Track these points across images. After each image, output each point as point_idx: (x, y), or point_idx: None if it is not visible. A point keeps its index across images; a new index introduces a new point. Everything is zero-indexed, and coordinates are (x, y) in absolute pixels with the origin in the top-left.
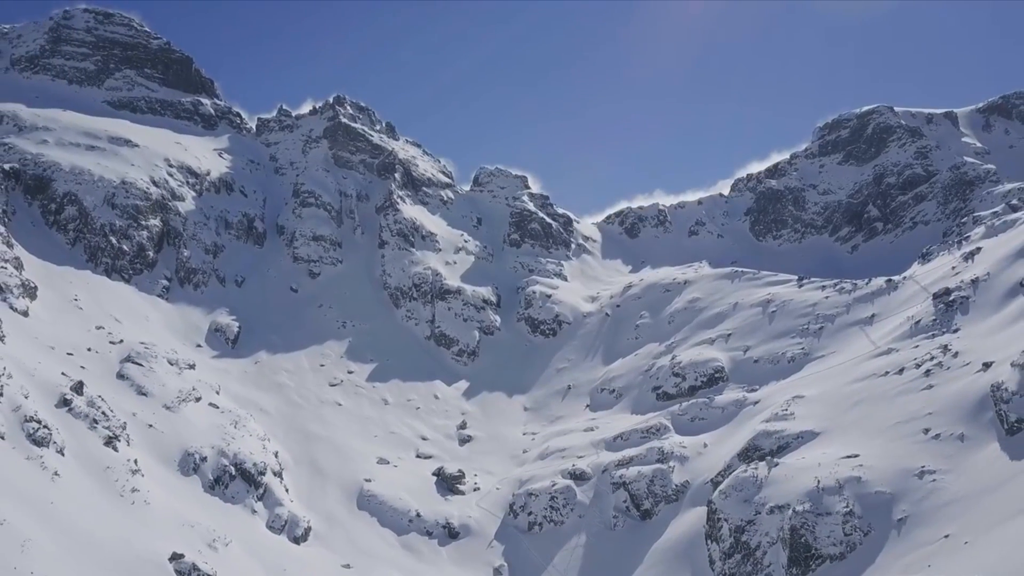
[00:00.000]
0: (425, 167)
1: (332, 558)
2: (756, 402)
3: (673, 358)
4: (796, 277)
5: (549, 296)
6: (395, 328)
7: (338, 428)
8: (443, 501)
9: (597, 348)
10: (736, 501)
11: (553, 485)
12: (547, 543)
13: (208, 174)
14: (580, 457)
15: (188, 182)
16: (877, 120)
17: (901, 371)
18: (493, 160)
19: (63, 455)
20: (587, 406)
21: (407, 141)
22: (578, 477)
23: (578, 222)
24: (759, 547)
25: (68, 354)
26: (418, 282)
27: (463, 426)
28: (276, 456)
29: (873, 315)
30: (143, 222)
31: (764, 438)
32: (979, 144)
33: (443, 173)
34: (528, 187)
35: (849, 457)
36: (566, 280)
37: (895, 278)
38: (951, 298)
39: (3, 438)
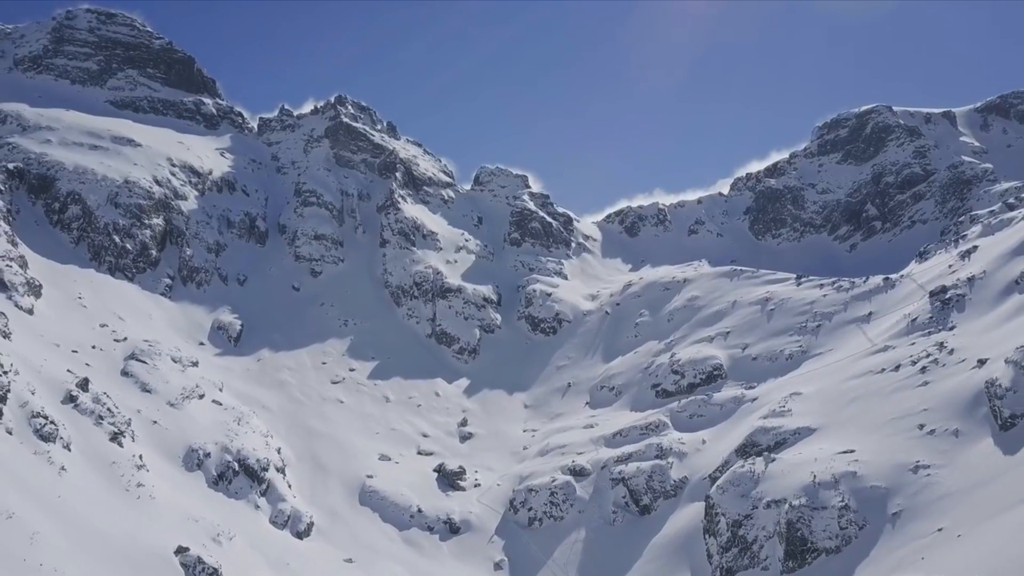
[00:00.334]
0: (426, 166)
1: (334, 553)
2: (754, 399)
3: (672, 356)
4: (794, 276)
5: (549, 294)
6: (396, 326)
7: (340, 425)
8: (444, 497)
9: (597, 346)
10: (733, 496)
11: (553, 481)
12: (547, 538)
13: (210, 173)
14: (580, 453)
15: (190, 181)
16: (876, 120)
17: (897, 368)
18: (494, 159)
19: (69, 450)
20: (587, 403)
21: (408, 140)
22: (578, 473)
23: (578, 221)
24: (756, 541)
25: (73, 351)
26: (419, 281)
27: (464, 423)
28: (279, 452)
29: (870, 313)
30: (146, 221)
31: (761, 434)
32: (977, 143)
33: (444, 172)
34: (528, 186)
35: (845, 452)
36: (566, 279)
37: (892, 276)
38: (947, 296)
39: (11, 433)
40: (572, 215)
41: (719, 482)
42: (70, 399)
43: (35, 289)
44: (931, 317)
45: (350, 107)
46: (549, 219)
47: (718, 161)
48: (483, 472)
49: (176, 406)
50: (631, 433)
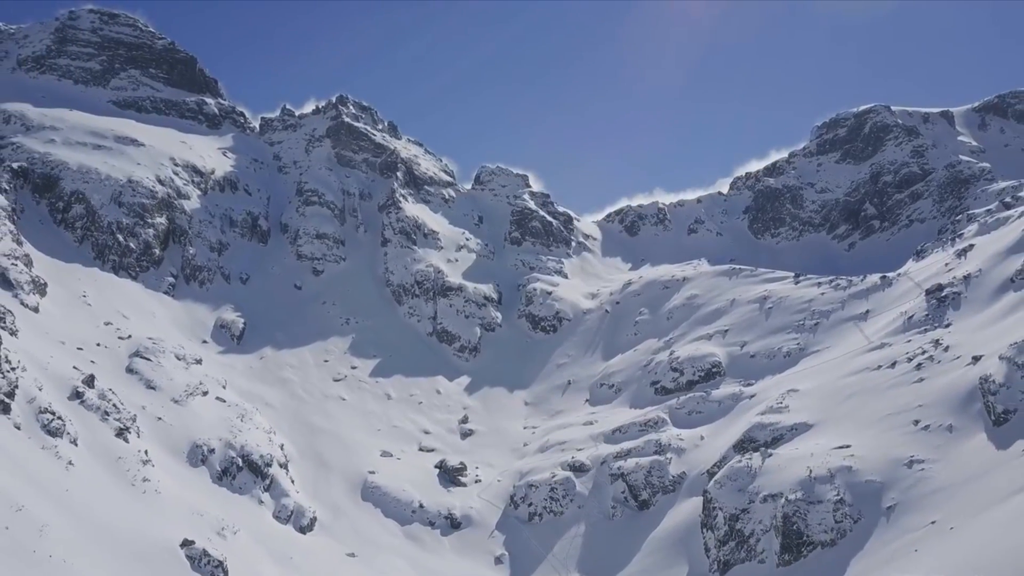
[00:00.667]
0: (427, 166)
1: (337, 547)
2: (752, 396)
3: (671, 353)
4: (793, 274)
5: (550, 293)
6: (398, 325)
7: (342, 422)
8: (445, 492)
9: (597, 344)
10: (731, 490)
11: (553, 477)
12: (547, 533)
13: (213, 173)
14: (579, 450)
15: (193, 181)
16: (874, 119)
17: (893, 365)
18: (494, 159)
19: (76, 445)
20: (587, 401)
21: (409, 140)
22: (577, 469)
23: (578, 220)
24: (753, 534)
25: (78, 349)
26: (420, 279)
27: (465, 420)
28: (282, 448)
29: (867, 311)
30: (149, 220)
31: (759, 430)
32: (975, 143)
33: (445, 172)
34: (529, 186)
35: (841, 448)
36: (566, 277)
37: (889, 275)
38: (943, 294)
39: (19, 428)
40: (572, 214)
41: (717, 477)
42: (76, 395)
43: (40, 287)
44: (927, 315)
45: (351, 107)
46: (549, 218)
47: (718, 160)
48: (484, 468)
49: (180, 403)
50: (630, 430)
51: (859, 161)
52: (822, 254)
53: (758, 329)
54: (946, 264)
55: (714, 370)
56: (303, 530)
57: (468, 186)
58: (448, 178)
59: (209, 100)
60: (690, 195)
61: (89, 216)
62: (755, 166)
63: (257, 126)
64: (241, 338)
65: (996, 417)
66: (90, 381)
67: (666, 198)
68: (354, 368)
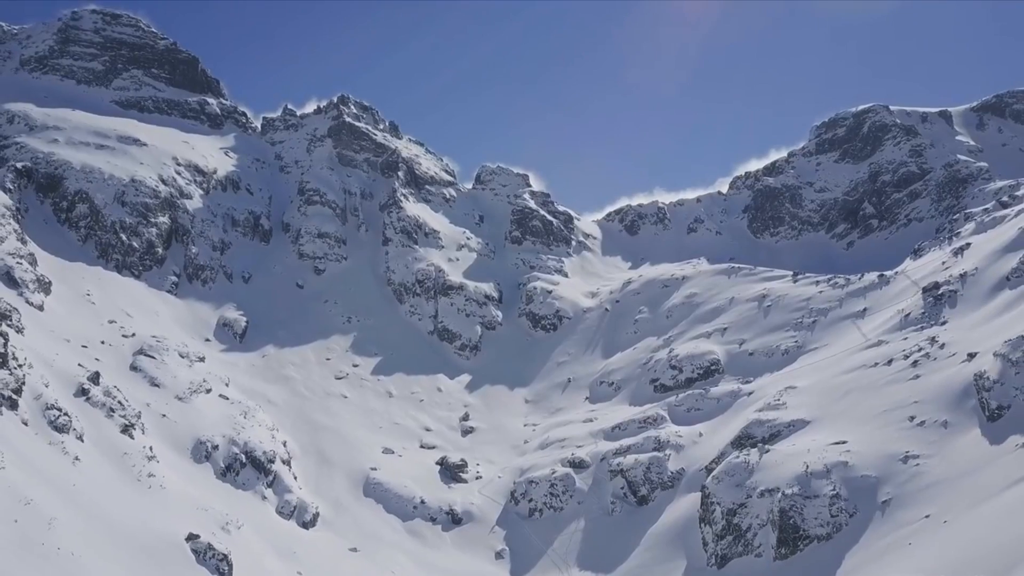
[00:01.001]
0: (428, 165)
1: (340, 542)
2: (750, 393)
3: (670, 351)
4: (791, 273)
5: (550, 292)
6: (399, 323)
7: (344, 419)
8: (446, 489)
9: (597, 342)
10: (728, 486)
11: (553, 473)
12: (547, 528)
13: (215, 172)
14: (579, 446)
15: (195, 180)
16: (873, 119)
17: (890, 362)
18: (495, 158)
19: (82, 441)
20: (586, 398)
21: (410, 140)
22: (577, 465)
23: (579, 219)
24: (750, 529)
25: (83, 346)
26: (421, 278)
27: (465, 418)
28: (284, 445)
29: (865, 309)
30: (152, 219)
31: (757, 427)
32: (972, 142)
33: (445, 171)
34: (529, 185)
35: (837, 443)
36: (567, 276)
37: (887, 273)
38: (940, 292)
39: (26, 424)
40: (573, 213)
41: (714, 472)
42: (82, 392)
43: (45, 286)
44: (924, 312)
45: (353, 107)
46: (550, 217)
47: (717, 160)
48: (484, 465)
49: (184, 400)
50: (630, 426)
51: (858, 160)
52: (821, 253)
53: (757, 327)
54: (943, 263)
55: (713, 368)
56: (306, 525)
57: (469, 185)
58: (449, 178)
59: (211, 100)
60: (690, 194)
61: (93, 215)
62: (755, 165)
63: (259, 126)
64: (244, 336)
65: (990, 413)
66: (95, 378)
67: (666, 197)
68: (356, 366)
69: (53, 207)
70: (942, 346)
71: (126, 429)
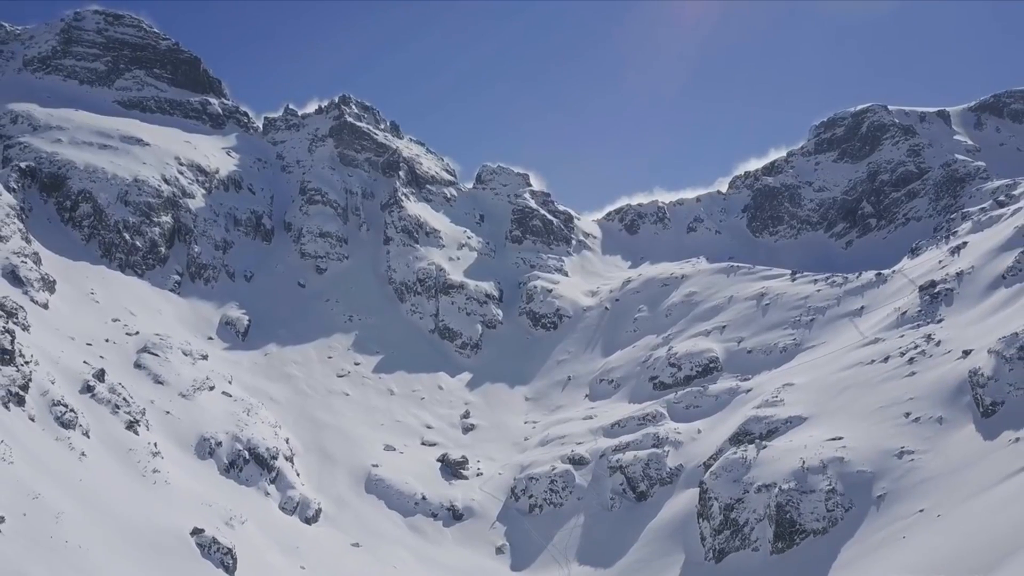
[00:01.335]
0: (429, 165)
1: (342, 538)
2: (748, 390)
3: (670, 349)
4: (790, 271)
5: (550, 291)
6: (400, 322)
7: (346, 417)
8: (447, 485)
9: (596, 341)
10: (726, 481)
11: (553, 469)
12: (547, 524)
13: (217, 172)
14: (579, 443)
15: (198, 180)
16: (871, 119)
17: (886, 359)
18: (495, 158)
19: (88, 437)
20: (586, 396)
21: (411, 140)
22: (577, 462)
23: (579, 219)
24: (747, 523)
25: (88, 344)
26: (422, 277)
27: (466, 415)
28: (287, 442)
29: (862, 307)
30: (155, 219)
31: (754, 423)
32: (970, 142)
33: (446, 171)
34: (530, 184)
35: (834, 439)
36: (567, 275)
37: (884, 272)
38: (936, 290)
39: (33, 420)
40: (573, 213)
41: (712, 468)
42: (87, 389)
43: (49, 285)
44: (920, 310)
45: (354, 107)
46: (550, 217)
47: (717, 159)
48: (485, 462)
49: (188, 397)
50: (629, 423)
51: (856, 160)
52: (820, 252)
53: (755, 325)
54: (940, 261)
55: (711, 365)
56: (308, 521)
57: (469, 185)
58: (450, 177)
59: (213, 100)
60: (689, 194)
61: (96, 215)
62: (754, 165)
63: (260, 126)
64: (246, 335)
65: (984, 409)
66: (100, 375)
67: (666, 197)
68: (357, 364)
69: (57, 206)
70: (938, 343)
71: (131, 425)
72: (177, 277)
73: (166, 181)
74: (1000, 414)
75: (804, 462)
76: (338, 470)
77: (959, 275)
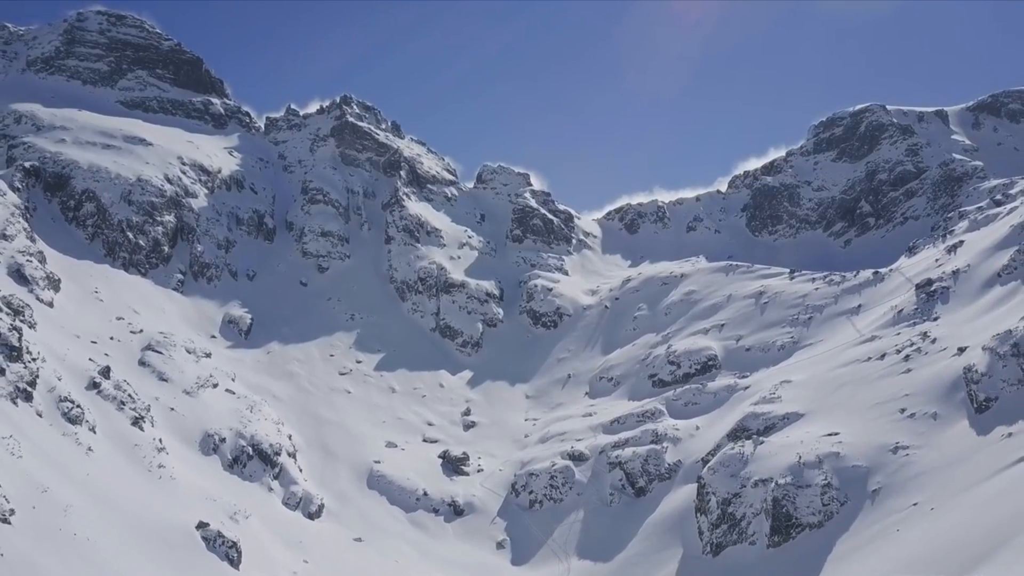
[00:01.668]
0: (430, 165)
1: (345, 533)
2: (746, 387)
3: (669, 347)
4: (788, 270)
5: (550, 289)
6: (401, 320)
7: (348, 414)
8: (449, 481)
9: (596, 339)
10: (724, 476)
11: (553, 465)
12: (547, 519)
13: (219, 172)
14: (579, 440)
15: (200, 179)
16: (870, 119)
17: (883, 356)
18: (496, 158)
19: (95, 433)
20: (586, 393)
21: (412, 139)
22: (577, 458)
23: (579, 218)
24: (744, 517)
25: (92, 342)
26: (423, 276)
27: (467, 412)
28: (290, 439)
29: (859, 305)
30: (158, 218)
31: (752, 419)
32: (968, 142)
33: (447, 171)
34: (530, 184)
35: (830, 435)
36: (567, 274)
37: (882, 270)
38: (933, 288)
39: (41, 416)
40: (573, 212)
41: (710, 463)
42: (93, 385)
43: (54, 283)
44: (916, 308)
45: (355, 107)
46: (550, 216)
47: (717, 159)
48: (486, 458)
49: (192, 394)
50: (628, 420)
51: (855, 160)
52: (819, 251)
53: (753, 323)
54: (936, 260)
55: (710, 363)
56: (311, 516)
57: (470, 185)
58: (450, 177)
59: (215, 100)
60: (689, 193)
61: (100, 214)
62: (754, 164)
63: (262, 126)
64: (249, 333)
65: (978, 405)
66: (106, 372)
67: (665, 196)
68: (359, 362)
69: (61, 206)
70: (933, 341)
71: (136, 422)
72: (180, 276)
73: (169, 181)
74: (993, 410)
75: (800, 457)
76: (340, 466)
77: (955, 273)
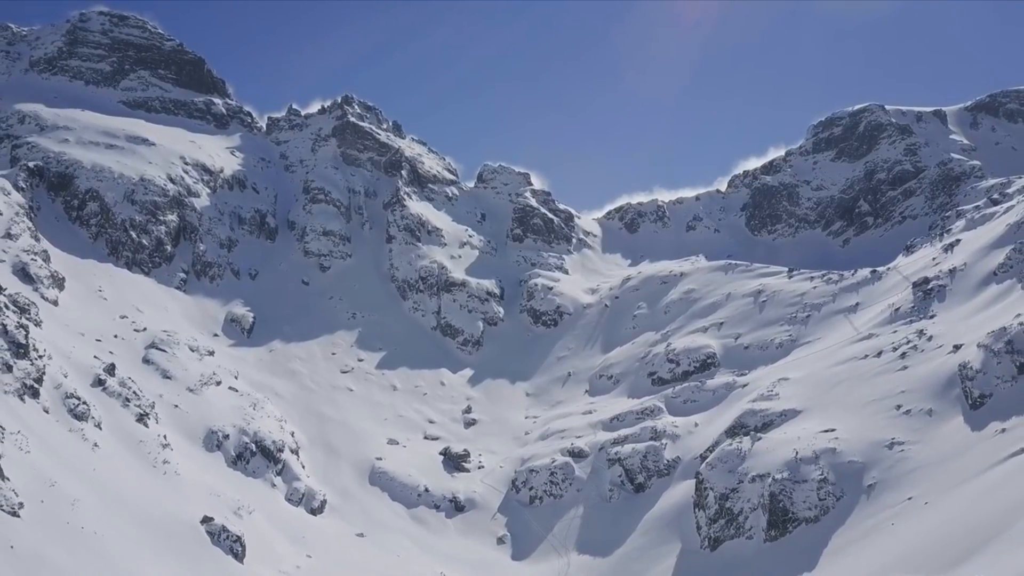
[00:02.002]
0: (431, 164)
1: (347, 528)
2: (745, 385)
3: (668, 345)
4: (786, 269)
5: (550, 288)
6: (403, 319)
7: (350, 411)
8: (450, 478)
9: (596, 337)
10: (721, 471)
11: (553, 462)
12: (547, 515)
13: (222, 171)
14: (579, 437)
15: (203, 179)
16: (868, 118)
17: (879, 354)
18: (496, 157)
19: (100, 429)
20: (586, 391)
21: (413, 139)
22: (576, 455)
23: (579, 217)
24: (741, 512)
25: (97, 340)
26: (424, 275)
27: (468, 410)
28: (293, 436)
29: (857, 304)
30: (161, 217)
31: (750, 416)
32: (966, 141)
33: (448, 170)
34: (530, 184)
35: (826, 431)
36: (567, 273)
37: (879, 269)
38: (929, 287)
39: (47, 412)
40: (573, 212)
41: (708, 459)
42: (99, 383)
43: (59, 282)
44: (913, 306)
45: (356, 107)
46: (551, 216)
47: (716, 158)
48: (487, 455)
49: (195, 392)
50: (627, 417)
51: (854, 159)
52: (818, 250)
53: (752, 322)
54: (933, 259)
55: (709, 361)
56: (314, 512)
57: (471, 184)
58: (451, 176)
59: (217, 100)
60: (689, 193)
61: (103, 213)
62: (753, 164)
63: (264, 126)
64: (251, 332)
65: (973, 401)
66: (111, 369)
67: (665, 196)
68: (361, 361)
69: (64, 205)
70: (929, 338)
71: (141, 418)
72: (183, 275)
73: (172, 180)
74: (988, 406)
75: (797, 453)
76: (343, 463)
77: (952, 272)
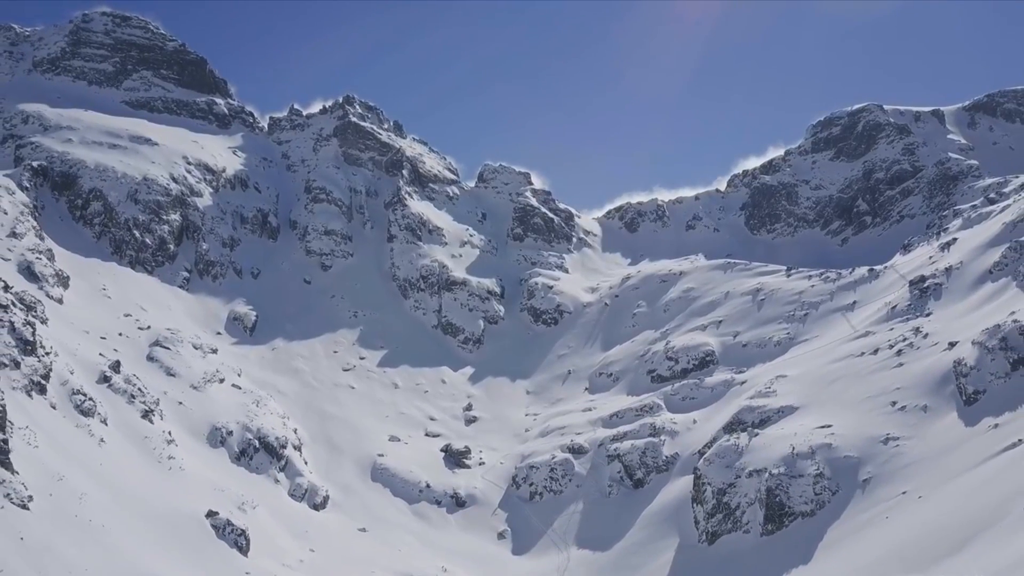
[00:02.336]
0: (431, 164)
1: (349, 523)
2: (743, 382)
3: (667, 343)
4: (785, 268)
5: (551, 287)
6: (404, 317)
7: (352, 409)
8: (451, 474)
9: (596, 336)
10: (719, 467)
11: (553, 458)
12: (547, 510)
13: (224, 171)
14: (578, 434)
15: (205, 179)
16: (867, 118)
17: (876, 351)
18: (497, 157)
19: (106, 425)
20: (586, 389)
21: (414, 139)
22: (576, 451)
23: (579, 217)
24: (739, 507)
25: (102, 338)
26: (425, 274)
27: (469, 408)
28: (295, 432)
29: (854, 302)
30: (164, 217)
31: (748, 413)
32: (964, 141)
33: (449, 170)
34: (531, 183)
35: (823, 427)
36: (567, 272)
37: (877, 267)
38: (926, 285)
39: (54, 408)
40: (573, 211)
41: (706, 455)
42: (104, 379)
43: (63, 280)
44: (909, 304)
45: (358, 107)
46: (551, 215)
47: (716, 158)
48: (487, 452)
49: (199, 389)
50: (627, 414)
51: (852, 159)
52: (816, 249)
53: (750, 320)
54: (930, 257)
55: (708, 359)
56: (317, 507)
57: (471, 184)
58: (452, 176)
59: (219, 100)
60: (688, 192)
61: (107, 213)
62: (753, 163)
63: (266, 126)
64: (253, 330)
65: (967, 397)
66: (116, 367)
67: (665, 195)
68: (362, 359)
69: (68, 205)
70: (925, 336)
71: (146, 415)
72: (186, 274)
73: (174, 180)
74: (982, 402)
75: (794, 448)
76: (345, 459)
77: (948, 270)
